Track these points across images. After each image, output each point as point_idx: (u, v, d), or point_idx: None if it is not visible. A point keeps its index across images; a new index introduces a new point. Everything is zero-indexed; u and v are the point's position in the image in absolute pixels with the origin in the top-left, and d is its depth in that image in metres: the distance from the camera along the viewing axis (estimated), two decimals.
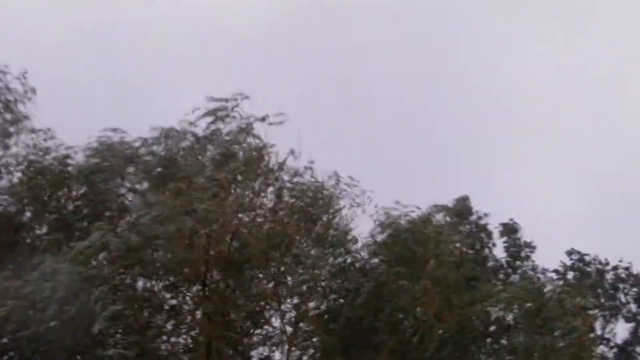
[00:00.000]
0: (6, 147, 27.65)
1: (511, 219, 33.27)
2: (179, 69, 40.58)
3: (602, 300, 32.21)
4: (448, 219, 29.26)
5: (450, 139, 40.57)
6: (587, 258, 33.31)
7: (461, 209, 31.62)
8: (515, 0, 47.65)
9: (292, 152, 26.40)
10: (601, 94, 45.51)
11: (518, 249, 32.88)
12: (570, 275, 33.21)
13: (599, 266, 33.42)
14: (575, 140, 42.51)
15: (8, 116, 27.53)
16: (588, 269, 33.49)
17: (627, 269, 33.91)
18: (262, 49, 42.14)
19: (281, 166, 27.13)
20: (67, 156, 27.33)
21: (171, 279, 25.98)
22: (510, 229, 33.21)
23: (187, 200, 23.98)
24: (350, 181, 27.43)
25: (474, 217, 32.33)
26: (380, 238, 27.33)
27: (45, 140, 27.70)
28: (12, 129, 27.68)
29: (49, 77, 29.98)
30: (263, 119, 26.06)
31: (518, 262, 32.61)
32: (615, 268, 33.47)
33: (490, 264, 32.14)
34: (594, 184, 38.99)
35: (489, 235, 32.41)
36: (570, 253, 33.88)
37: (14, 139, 27.71)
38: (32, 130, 27.75)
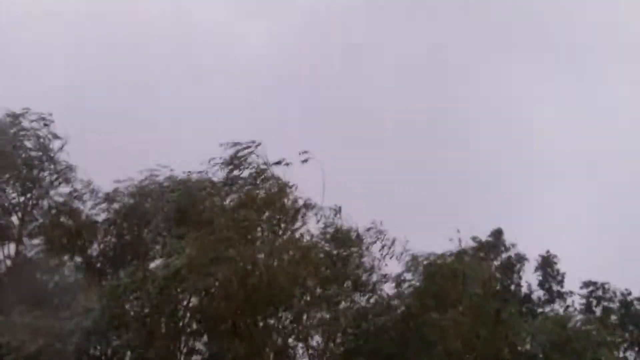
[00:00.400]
0: (46, 194, 28.48)
1: (548, 251, 33.21)
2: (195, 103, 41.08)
3: (630, 330, 31.82)
4: (471, 254, 29.36)
5: (470, 176, 40.83)
6: (606, 287, 32.90)
7: (494, 242, 31.85)
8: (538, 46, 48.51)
9: (307, 205, 26.94)
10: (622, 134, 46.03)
11: (550, 283, 32.72)
12: (594, 307, 32.82)
13: (621, 297, 33.11)
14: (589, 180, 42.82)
15: (48, 165, 28.49)
16: (612, 304, 33.08)
17: None
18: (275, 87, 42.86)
19: (304, 206, 27.46)
20: (108, 199, 28.11)
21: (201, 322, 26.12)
22: (546, 262, 33.06)
23: (213, 245, 24.30)
24: (378, 225, 27.84)
25: (505, 251, 32.41)
26: (409, 275, 27.78)
27: (81, 188, 28.59)
28: (51, 178, 28.66)
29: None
30: (279, 163, 26.72)
31: (547, 296, 32.50)
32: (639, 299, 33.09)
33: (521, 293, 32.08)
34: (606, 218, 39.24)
35: (518, 269, 32.35)
36: (587, 285, 33.57)
37: (53, 188, 28.70)
38: (68, 180, 28.59)
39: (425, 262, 27.36)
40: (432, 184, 37.43)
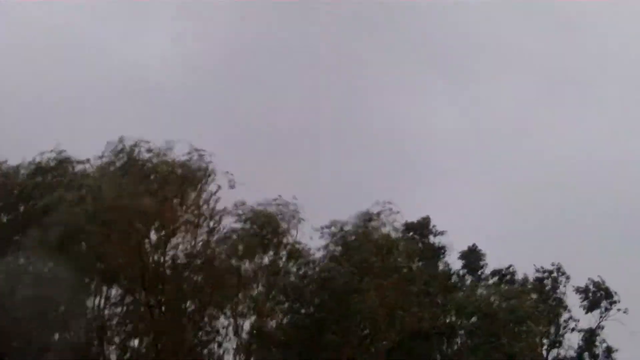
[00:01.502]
0: None
1: (474, 244, 34.00)
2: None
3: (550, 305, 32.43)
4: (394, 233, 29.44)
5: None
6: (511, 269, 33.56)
7: (421, 225, 32.32)
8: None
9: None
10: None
11: (475, 266, 33.31)
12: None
13: (538, 274, 33.77)
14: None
15: None
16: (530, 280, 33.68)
17: (559, 269, 34.00)
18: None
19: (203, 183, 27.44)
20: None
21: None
22: (470, 251, 33.57)
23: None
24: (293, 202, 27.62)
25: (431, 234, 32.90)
26: (332, 247, 27.62)
27: None
28: None
29: None
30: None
31: (471, 276, 33.01)
32: (550, 272, 33.76)
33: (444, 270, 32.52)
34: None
35: (442, 252, 32.83)
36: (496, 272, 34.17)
37: None
38: None
39: (347, 233, 27.41)
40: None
